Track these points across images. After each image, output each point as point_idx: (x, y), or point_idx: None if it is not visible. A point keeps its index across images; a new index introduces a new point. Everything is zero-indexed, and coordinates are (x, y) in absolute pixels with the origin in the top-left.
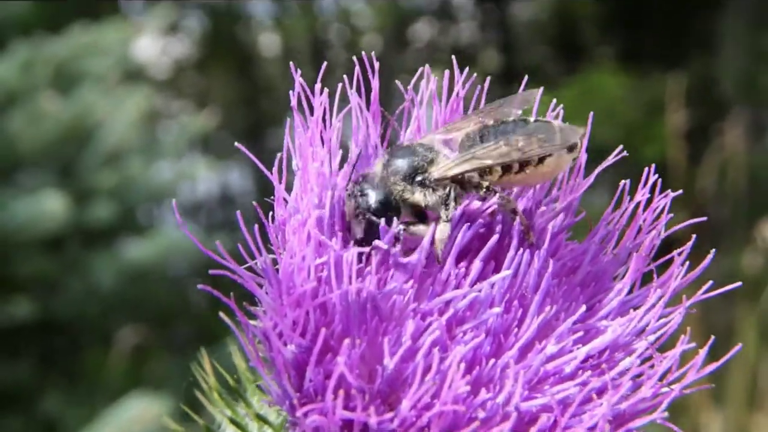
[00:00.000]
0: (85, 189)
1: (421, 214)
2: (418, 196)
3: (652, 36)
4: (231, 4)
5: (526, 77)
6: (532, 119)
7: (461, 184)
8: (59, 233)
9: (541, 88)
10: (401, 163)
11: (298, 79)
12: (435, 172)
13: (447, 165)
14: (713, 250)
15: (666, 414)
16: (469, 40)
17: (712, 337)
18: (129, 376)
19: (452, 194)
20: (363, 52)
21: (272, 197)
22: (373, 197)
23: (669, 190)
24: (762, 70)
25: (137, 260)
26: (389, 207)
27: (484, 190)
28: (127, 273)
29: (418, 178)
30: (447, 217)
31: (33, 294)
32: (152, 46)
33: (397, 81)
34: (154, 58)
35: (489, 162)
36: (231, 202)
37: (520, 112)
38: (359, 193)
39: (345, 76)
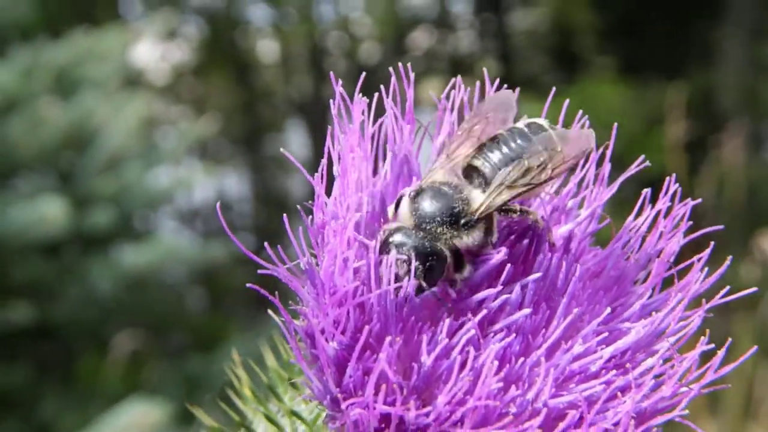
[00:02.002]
0: (83, 195)
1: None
2: (466, 239)
3: (652, 47)
4: (230, 11)
5: (520, 87)
6: (531, 126)
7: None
8: (57, 239)
9: (518, 89)
10: (437, 209)
11: (338, 89)
12: (476, 212)
13: (485, 203)
14: (730, 257)
15: (686, 412)
16: (467, 49)
17: (729, 339)
18: (125, 382)
19: (493, 225)
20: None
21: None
22: (424, 253)
23: (689, 199)
24: (761, 82)
25: (134, 266)
26: (441, 259)
27: (518, 213)
28: (125, 279)
29: (462, 222)
30: (491, 244)
31: (31, 299)
32: (151, 52)
33: (430, 92)
34: (152, 64)
35: (521, 189)
36: (228, 208)
37: (509, 118)
38: (407, 253)
39: (382, 86)
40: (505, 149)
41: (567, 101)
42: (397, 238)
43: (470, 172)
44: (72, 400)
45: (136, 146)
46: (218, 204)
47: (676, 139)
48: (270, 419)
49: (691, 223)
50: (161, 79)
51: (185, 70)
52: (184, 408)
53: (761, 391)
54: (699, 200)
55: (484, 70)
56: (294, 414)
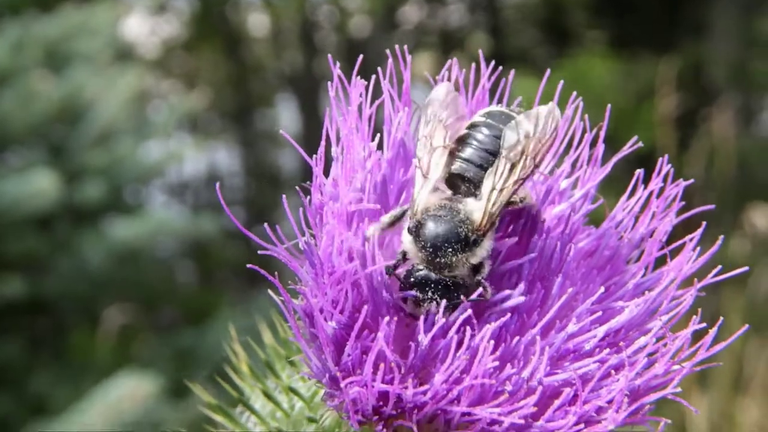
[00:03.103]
0: (75, 168)
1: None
2: (480, 252)
3: (643, 21)
4: None
5: (511, 61)
6: (495, 116)
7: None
8: (49, 212)
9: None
10: (444, 240)
11: (336, 71)
12: (481, 227)
13: (486, 214)
14: (722, 236)
15: (679, 389)
16: (457, 23)
17: (720, 317)
18: (116, 355)
19: (496, 224)
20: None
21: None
22: (447, 287)
23: (681, 179)
24: (752, 55)
25: (125, 240)
26: (464, 286)
27: (519, 203)
28: (116, 252)
29: (472, 240)
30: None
31: (22, 273)
32: (141, 25)
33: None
34: (143, 38)
35: (513, 187)
36: (218, 181)
37: (461, 111)
38: (432, 292)
39: (379, 68)
40: (480, 148)
41: (561, 83)
42: (419, 276)
43: (454, 180)
44: (64, 374)
45: (127, 120)
46: (217, 185)
47: (666, 113)
48: (268, 395)
49: (683, 203)
50: (152, 53)
51: (176, 44)
52: (175, 381)
53: (750, 366)
54: (691, 181)
55: (480, 51)
56: (292, 391)
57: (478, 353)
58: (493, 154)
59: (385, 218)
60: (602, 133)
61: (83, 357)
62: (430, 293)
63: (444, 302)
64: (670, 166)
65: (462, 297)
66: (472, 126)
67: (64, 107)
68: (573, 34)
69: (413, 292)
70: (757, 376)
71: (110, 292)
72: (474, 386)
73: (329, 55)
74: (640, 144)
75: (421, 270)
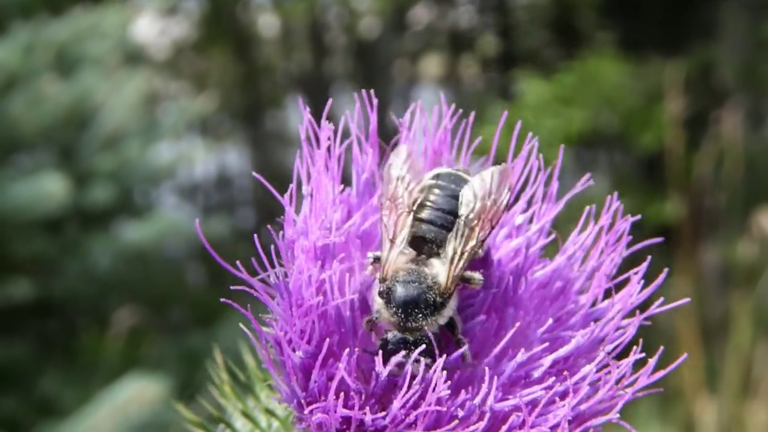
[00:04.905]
0: (84, 171)
1: None
2: (447, 311)
3: (652, 22)
4: None
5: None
6: (447, 178)
7: None
8: (58, 215)
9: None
10: (414, 306)
11: (307, 116)
12: (448, 289)
13: (451, 277)
14: (666, 269)
15: (618, 415)
16: (467, 24)
17: (662, 347)
18: (125, 357)
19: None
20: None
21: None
22: (429, 348)
23: (629, 215)
24: (762, 58)
25: (135, 242)
26: (435, 342)
27: (480, 254)
28: (125, 254)
29: (440, 301)
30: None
31: (32, 275)
32: (151, 27)
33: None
34: (152, 39)
35: (475, 248)
36: (228, 183)
37: (420, 171)
38: (406, 353)
39: (347, 111)
40: (436, 209)
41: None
42: (393, 340)
43: (417, 241)
44: (73, 376)
45: (136, 122)
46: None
47: (675, 115)
48: (247, 415)
49: (631, 237)
50: (161, 55)
51: (185, 45)
52: (184, 383)
53: (759, 369)
54: (638, 217)
55: (442, 101)
56: (269, 412)
57: (432, 382)
58: (451, 213)
59: (371, 256)
60: (556, 171)
61: (92, 358)
62: (405, 354)
63: (424, 361)
64: (619, 202)
65: (437, 352)
66: (426, 188)
67: (73, 110)
68: (583, 35)
69: (397, 359)
70: (766, 379)
71: (120, 293)
72: (429, 412)
73: (299, 99)
74: (591, 183)
75: (397, 335)
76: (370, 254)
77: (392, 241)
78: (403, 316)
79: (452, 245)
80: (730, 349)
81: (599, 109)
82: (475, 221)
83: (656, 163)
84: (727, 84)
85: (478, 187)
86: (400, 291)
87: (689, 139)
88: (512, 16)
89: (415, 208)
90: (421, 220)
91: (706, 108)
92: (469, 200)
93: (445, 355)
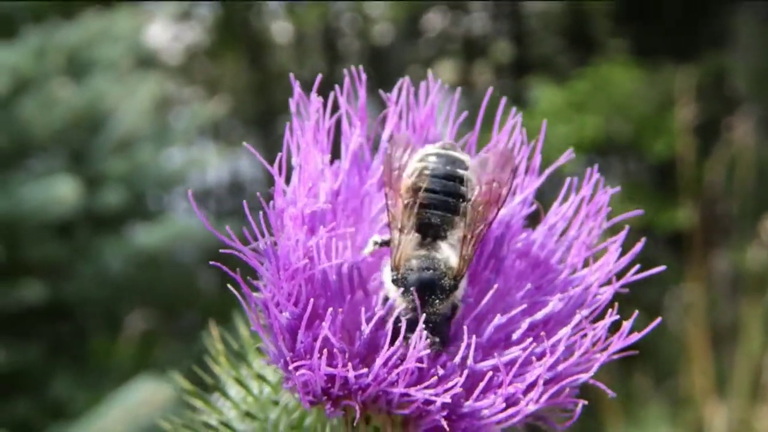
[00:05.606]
0: (96, 175)
1: None
2: (460, 291)
3: (665, 29)
4: None
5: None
6: (450, 161)
7: None
8: (70, 218)
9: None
10: (429, 293)
11: (297, 90)
12: (461, 272)
13: (463, 261)
14: (642, 239)
15: (591, 374)
16: (481, 30)
17: (636, 312)
18: (137, 361)
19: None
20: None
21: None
22: (437, 327)
23: (608, 187)
24: None
25: (147, 246)
26: (449, 322)
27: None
28: (137, 258)
29: (453, 284)
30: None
31: (44, 278)
32: (164, 32)
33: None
34: (165, 45)
35: (483, 230)
36: (241, 188)
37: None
38: (436, 342)
39: (336, 86)
40: (439, 194)
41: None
42: (408, 319)
43: (423, 227)
44: (84, 379)
45: (148, 127)
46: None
47: (687, 122)
48: (239, 382)
49: (610, 209)
50: (174, 60)
51: (198, 50)
52: (197, 379)
53: None
54: (617, 189)
55: (430, 77)
56: (260, 377)
57: (412, 341)
58: (450, 194)
59: (376, 239)
60: (539, 145)
61: (103, 362)
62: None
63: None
64: (599, 174)
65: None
66: (421, 172)
67: (85, 114)
68: (596, 42)
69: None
70: None
71: (131, 297)
72: (411, 370)
73: (291, 74)
74: (573, 156)
75: (409, 315)
76: (374, 238)
77: (401, 231)
78: (420, 302)
79: (461, 230)
80: (740, 354)
81: (611, 115)
82: (482, 205)
83: (668, 170)
84: (738, 91)
85: (482, 170)
86: (416, 280)
87: (701, 146)
88: (526, 23)
89: (417, 194)
90: (425, 206)
91: (718, 115)
92: (474, 184)
93: (425, 314)
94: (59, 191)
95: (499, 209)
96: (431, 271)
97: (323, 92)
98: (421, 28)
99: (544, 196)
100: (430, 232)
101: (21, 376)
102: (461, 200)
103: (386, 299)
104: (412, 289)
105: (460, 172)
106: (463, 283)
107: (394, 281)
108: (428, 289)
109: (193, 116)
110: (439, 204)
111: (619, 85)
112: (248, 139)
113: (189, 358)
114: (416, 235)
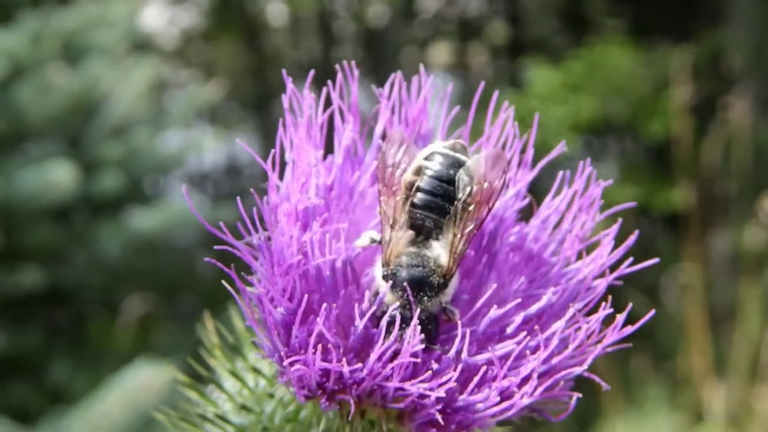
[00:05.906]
0: (92, 160)
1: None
2: (450, 289)
3: (661, 9)
4: None
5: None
6: (442, 161)
7: None
8: (66, 203)
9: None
10: (420, 289)
11: (290, 86)
12: (451, 269)
13: (453, 258)
14: (636, 231)
15: (585, 367)
16: (476, 11)
17: (630, 304)
18: (135, 345)
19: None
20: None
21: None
22: (426, 325)
23: (600, 180)
24: None
25: (144, 230)
26: (438, 320)
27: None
28: (134, 243)
29: (443, 282)
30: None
31: (41, 263)
32: (160, 15)
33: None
34: (161, 28)
35: (473, 230)
36: (238, 171)
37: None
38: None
39: (329, 81)
40: (431, 192)
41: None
42: (400, 314)
43: (419, 227)
44: (82, 364)
45: (144, 111)
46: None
47: (683, 101)
48: (235, 374)
49: (603, 201)
50: (170, 44)
51: (194, 34)
52: (193, 371)
53: None
54: (609, 182)
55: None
56: (255, 370)
57: (406, 336)
58: (446, 197)
59: (372, 235)
60: (531, 139)
61: (102, 346)
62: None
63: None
64: (591, 168)
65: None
66: (420, 172)
67: (81, 99)
68: (591, 22)
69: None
70: None
71: (129, 282)
72: (405, 364)
73: (283, 70)
74: (565, 149)
75: (398, 311)
76: (367, 234)
77: (392, 227)
78: (408, 299)
79: (451, 229)
80: (738, 335)
81: (608, 96)
82: (472, 205)
83: (665, 150)
84: (735, 70)
85: (473, 170)
86: (405, 275)
87: (698, 126)
88: (521, 4)
89: (411, 193)
90: (418, 206)
91: (715, 94)
92: (465, 184)
93: (419, 309)
94: (56, 176)
95: (490, 209)
96: (420, 268)
97: (319, 77)
98: (416, 9)
99: (541, 183)
100: (423, 230)
101: (19, 361)
102: (456, 201)
103: (377, 294)
104: (402, 284)
105: (457, 174)
106: (453, 282)
107: (384, 277)
108: (417, 285)
109: (190, 100)
110: (435, 206)
111: (615, 65)
112: (245, 122)
113: (186, 345)
114: (410, 232)
